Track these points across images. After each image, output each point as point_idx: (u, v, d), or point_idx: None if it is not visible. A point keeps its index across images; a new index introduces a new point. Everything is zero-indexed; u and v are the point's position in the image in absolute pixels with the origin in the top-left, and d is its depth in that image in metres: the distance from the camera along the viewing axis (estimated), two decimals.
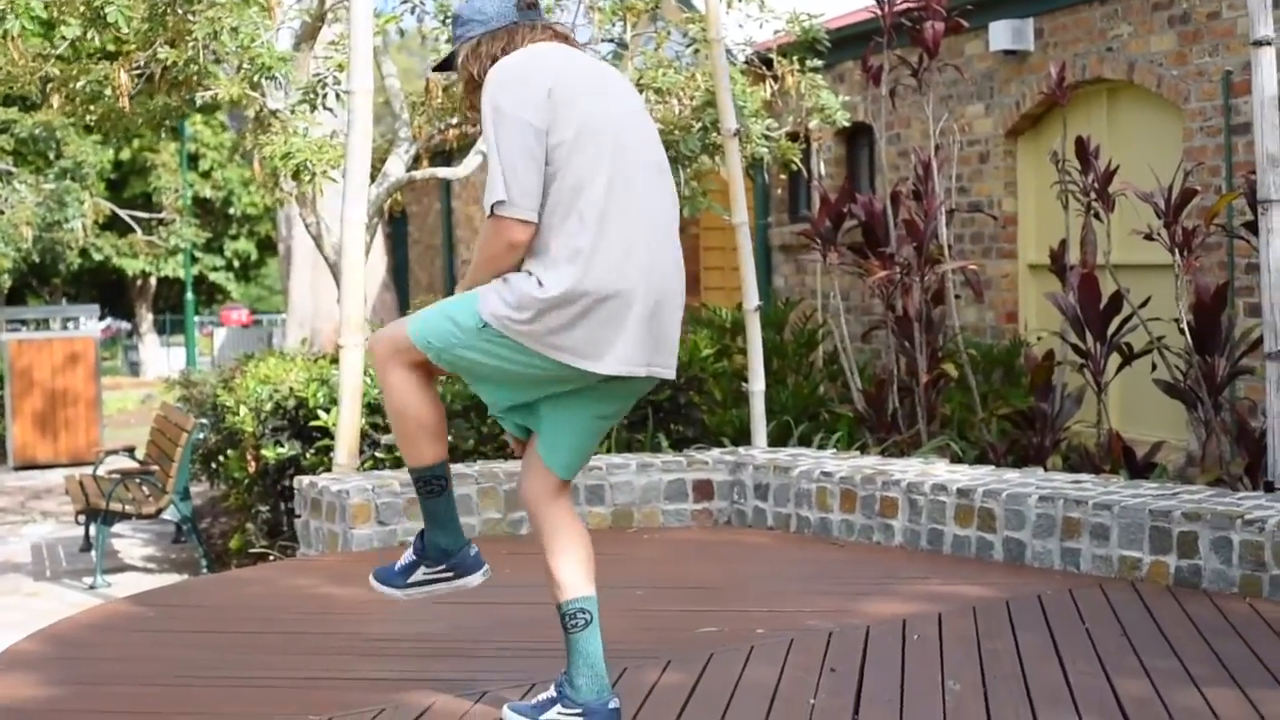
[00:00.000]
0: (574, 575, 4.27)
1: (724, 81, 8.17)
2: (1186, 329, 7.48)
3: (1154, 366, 8.01)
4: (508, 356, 4.09)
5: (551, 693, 4.31)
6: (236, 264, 36.71)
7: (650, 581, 6.35)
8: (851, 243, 9.40)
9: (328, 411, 9.06)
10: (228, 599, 6.21)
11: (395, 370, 4.21)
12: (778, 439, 9.72)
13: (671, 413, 10.23)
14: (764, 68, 10.28)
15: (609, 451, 8.89)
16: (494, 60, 4.16)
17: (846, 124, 10.70)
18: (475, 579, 4.53)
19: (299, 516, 7.47)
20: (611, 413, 4.36)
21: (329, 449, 9.01)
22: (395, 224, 24.27)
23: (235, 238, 35.84)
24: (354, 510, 7.04)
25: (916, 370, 8.83)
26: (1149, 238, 7.57)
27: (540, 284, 4.01)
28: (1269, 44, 6.57)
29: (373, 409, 8.63)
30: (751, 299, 8.25)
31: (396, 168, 10.04)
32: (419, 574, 4.49)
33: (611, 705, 4.24)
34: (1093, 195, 8.38)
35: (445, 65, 4.41)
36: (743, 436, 10.07)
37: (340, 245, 10.53)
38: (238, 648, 5.38)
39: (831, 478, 7.21)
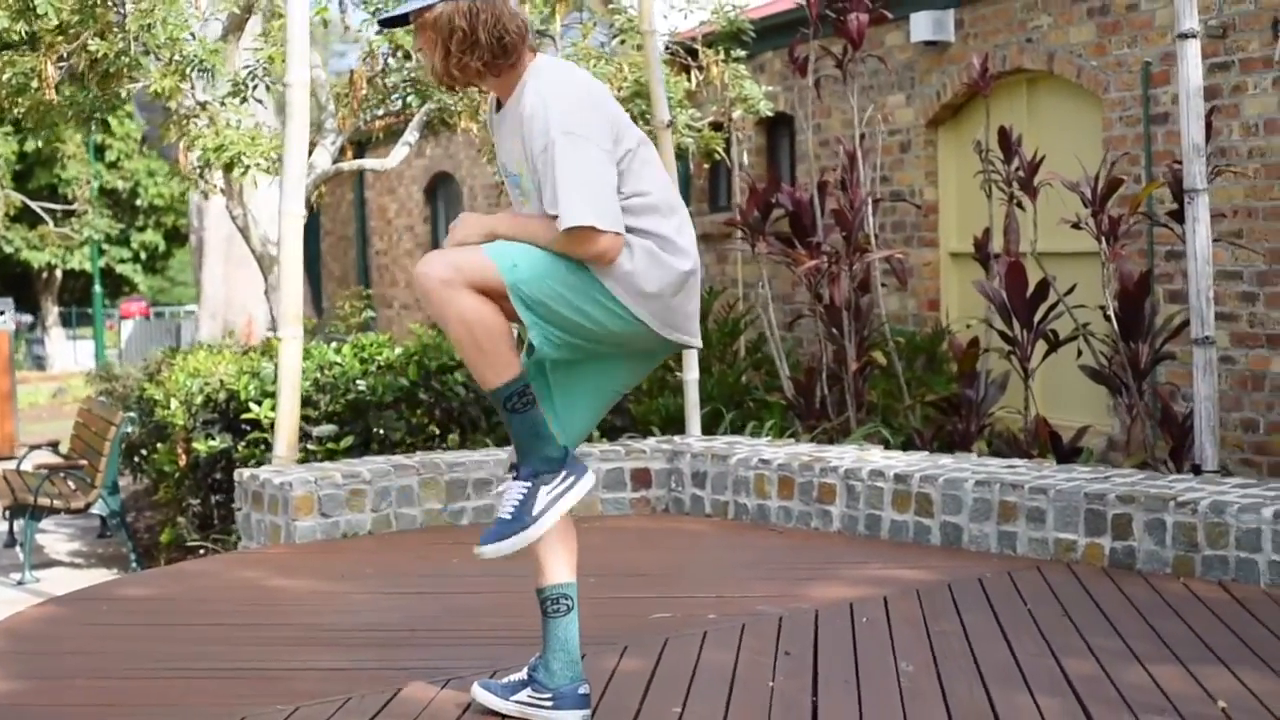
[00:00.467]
0: (558, 562, 4.31)
1: (657, 73, 8.26)
2: (1113, 316, 7.65)
3: (1079, 353, 8.18)
4: (610, 322, 4.03)
5: (523, 675, 4.38)
6: (144, 256, 36.39)
7: (598, 569, 6.39)
8: (779, 232, 9.51)
9: (259, 404, 9.07)
10: (179, 591, 6.23)
11: (460, 287, 3.94)
12: (708, 427, 9.82)
13: None
14: (689, 58, 10.38)
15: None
16: (485, 29, 3.98)
17: (770, 114, 10.83)
18: (588, 480, 4.21)
19: (239, 509, 7.49)
20: (633, 386, 4.43)
21: (261, 442, 9.03)
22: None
23: (143, 229, 35.53)
24: (297, 502, 7.07)
25: (845, 358, 8.96)
26: (1076, 226, 7.73)
27: (674, 262, 4.04)
28: (1194, 36, 6.73)
29: (304, 401, 8.65)
30: None
31: (323, 159, 10.07)
32: (542, 499, 4.12)
33: (582, 691, 4.31)
34: (1015, 184, 8.54)
35: (399, 21, 4.14)
36: (669, 425, 10.17)
37: (266, 237, 10.59)
38: (196, 640, 5.40)
39: (769, 465, 7.32)
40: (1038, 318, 8.14)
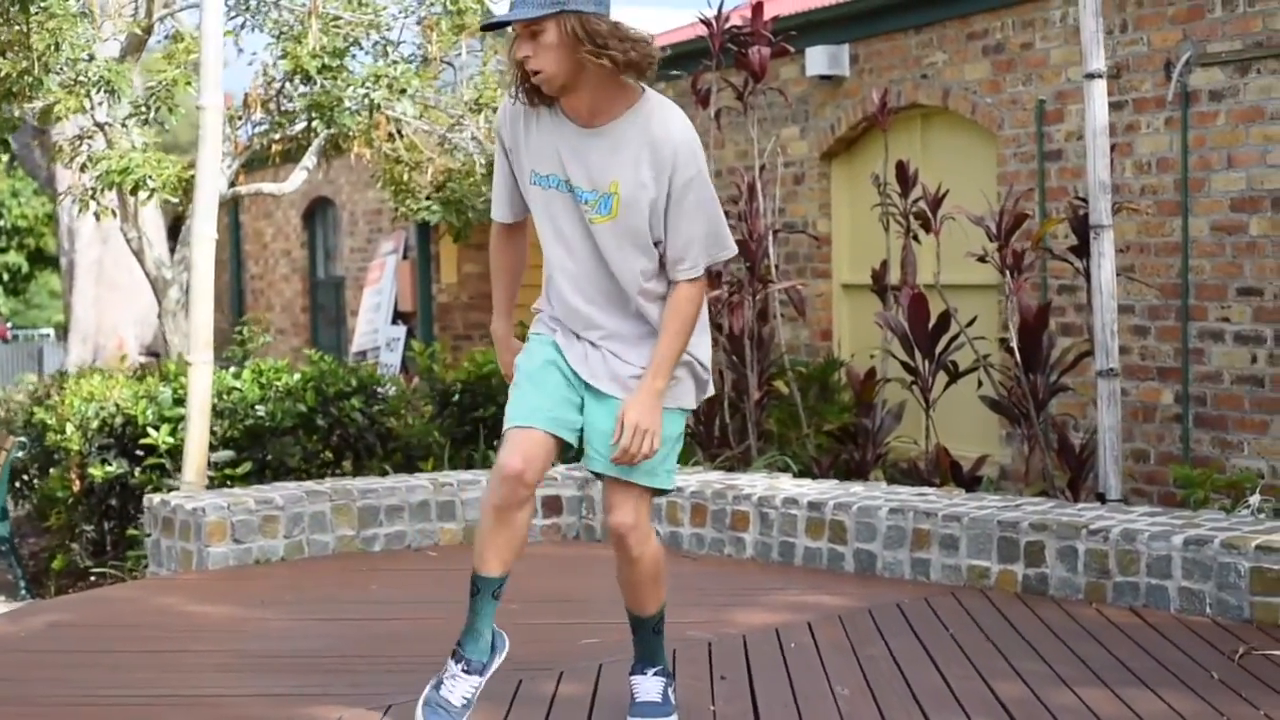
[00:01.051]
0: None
1: None
2: (1016, 348, 7.82)
3: (980, 384, 8.35)
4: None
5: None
6: (5, 277, 35.75)
7: (520, 596, 6.39)
8: None
9: (158, 429, 9.01)
10: (100, 618, 6.17)
11: (653, 532, 4.53)
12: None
13: (494, 429, 10.35)
14: None
15: (454, 468, 9.00)
16: (619, 39, 4.06)
17: None
18: None
19: (149, 535, 7.43)
20: None
21: (158, 467, 8.96)
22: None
23: (4, 250, 34.91)
24: (210, 528, 7.03)
25: (747, 387, 9.07)
26: (982, 259, 7.90)
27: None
28: (1101, 77, 6.93)
29: None
30: None
31: (220, 183, 10.00)
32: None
33: None
34: (912, 217, 8.71)
35: (501, 25, 4.17)
36: (566, 451, 10.22)
37: (160, 260, 10.51)
38: (125, 667, 5.37)
39: (682, 492, 7.39)
40: (939, 349, 8.30)
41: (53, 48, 7.86)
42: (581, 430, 4.34)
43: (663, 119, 4.14)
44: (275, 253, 20.43)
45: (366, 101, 8.60)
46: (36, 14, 7.92)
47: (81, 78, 8.19)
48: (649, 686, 4.60)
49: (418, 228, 16.52)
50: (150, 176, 8.15)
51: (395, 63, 8.76)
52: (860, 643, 5.57)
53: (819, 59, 10.76)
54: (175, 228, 23.35)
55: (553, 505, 7.80)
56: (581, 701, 4.87)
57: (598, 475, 4.42)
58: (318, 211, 19.47)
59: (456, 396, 10.31)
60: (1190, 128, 8.39)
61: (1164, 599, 5.91)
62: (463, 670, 4.37)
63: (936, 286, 8.35)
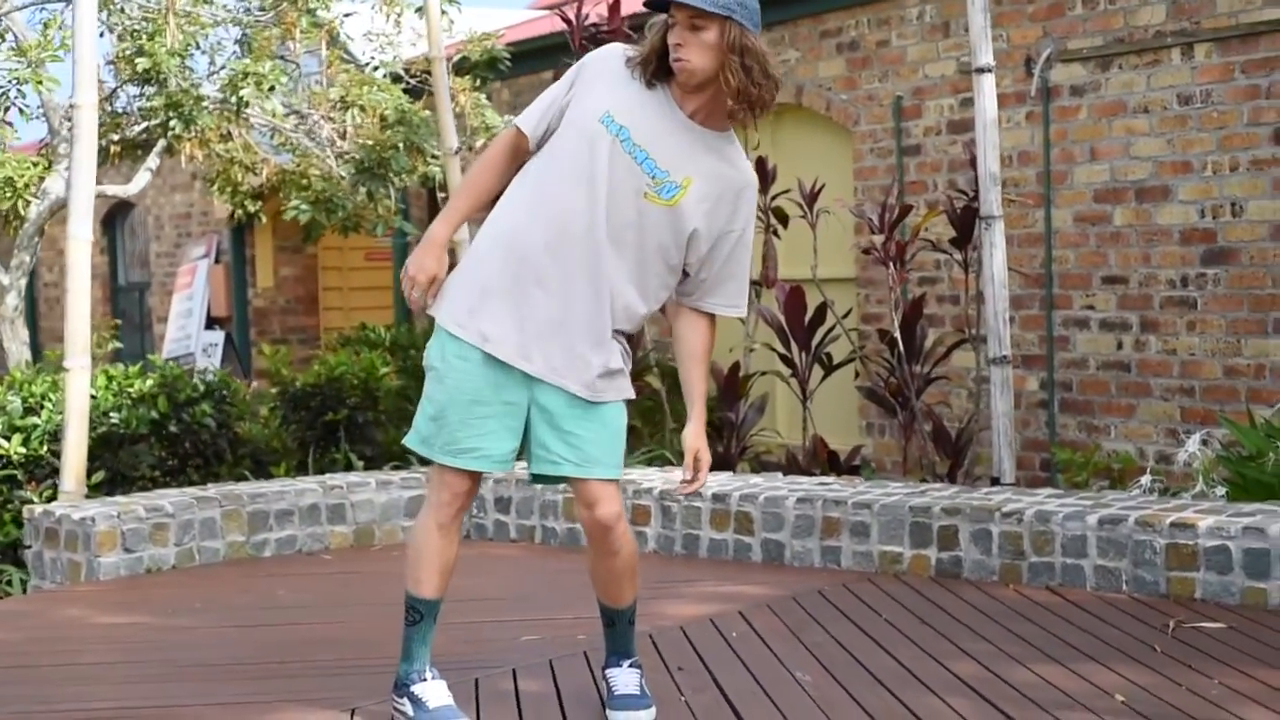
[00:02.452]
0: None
1: (445, 101, 8.26)
2: (899, 338, 7.95)
3: (856, 374, 8.48)
4: None
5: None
6: None
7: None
8: None
9: (8, 439, 8.70)
10: (8, 632, 5.94)
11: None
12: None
13: (350, 431, 10.22)
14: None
15: (306, 473, 8.87)
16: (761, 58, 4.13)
17: None
18: None
19: (29, 547, 7.18)
20: None
21: (9, 479, 8.66)
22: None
23: None
24: (100, 538, 6.82)
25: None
26: (867, 251, 8.02)
27: None
28: (990, 71, 7.07)
29: (53, 435, 8.36)
30: None
31: (57, 185, 9.70)
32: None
33: None
34: (771, 214, 8.81)
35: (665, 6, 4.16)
36: (406, 455, 10.13)
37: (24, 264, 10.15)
38: (63, 680, 5.18)
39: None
40: (815, 341, 8.41)
41: None
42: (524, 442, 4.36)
43: (746, 163, 4.33)
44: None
45: (234, 100, 8.40)
46: None
47: None
48: (627, 679, 4.60)
49: (231, 231, 16.24)
50: (14, 178, 7.88)
51: (259, 60, 8.58)
52: (799, 629, 5.61)
53: None
54: None
55: None
56: (548, 698, 4.82)
57: (554, 480, 4.41)
58: (118, 216, 18.98)
59: (315, 401, 10.13)
60: (1052, 122, 8.62)
61: (1080, 577, 6.05)
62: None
63: (814, 280, 8.45)
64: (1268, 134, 7.66)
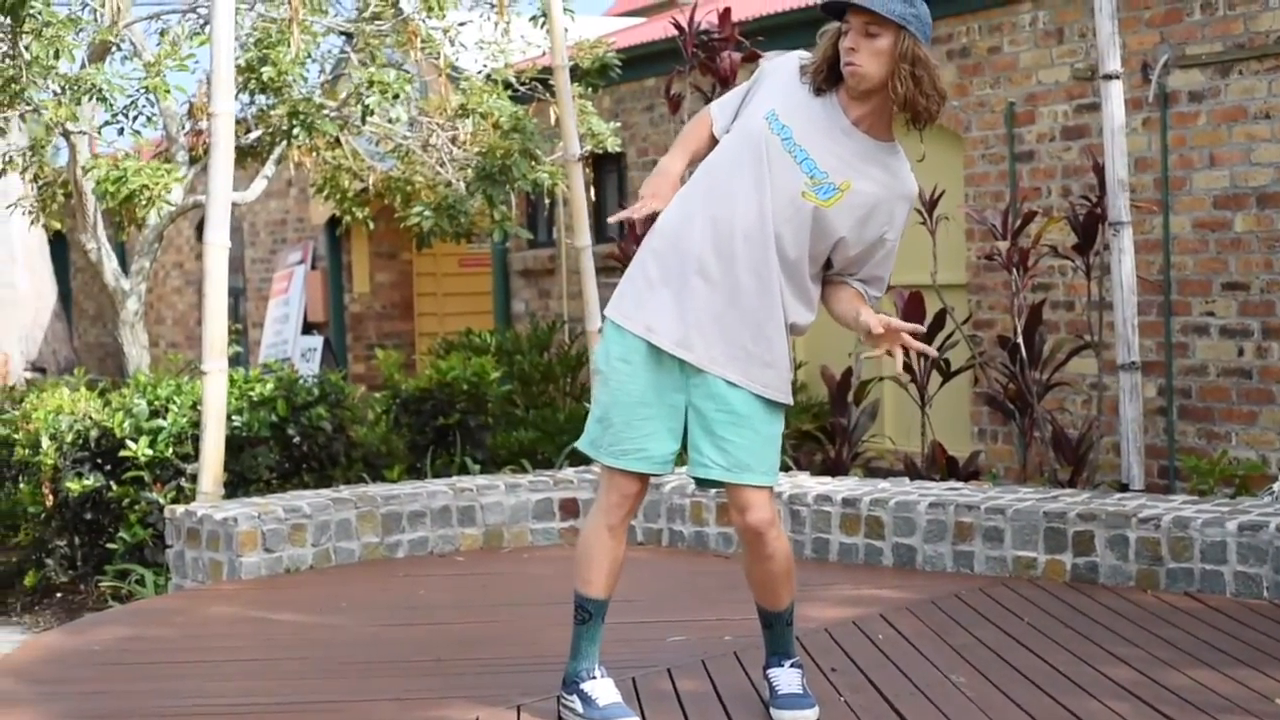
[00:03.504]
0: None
1: (569, 107, 8.35)
2: (1020, 344, 7.99)
3: (975, 380, 8.51)
4: None
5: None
6: None
7: (570, 598, 6.45)
8: None
9: (135, 441, 8.86)
10: (165, 629, 6.09)
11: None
12: (583, 459, 9.95)
13: (461, 435, 10.34)
14: (545, 92, 10.48)
15: (418, 476, 9.00)
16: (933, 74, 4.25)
17: (618, 149, 10.98)
18: None
19: (170, 546, 7.32)
20: None
21: (137, 480, 8.82)
22: (53, 247, 23.47)
23: None
24: (241, 538, 6.95)
25: None
26: (989, 258, 8.06)
27: None
28: (1118, 78, 7.11)
29: (177, 438, 8.52)
30: (593, 321, 8.42)
31: (176, 192, 9.86)
32: None
33: None
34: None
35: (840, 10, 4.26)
36: (513, 458, 10.26)
37: (118, 270, 10.33)
38: (226, 675, 5.32)
39: (707, 492, 7.44)
40: (935, 345, 8.44)
41: (51, 55, 7.69)
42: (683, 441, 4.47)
43: (909, 174, 4.39)
44: (166, 265, 20.12)
45: (359, 108, 8.53)
46: (30, 22, 7.74)
47: (72, 86, 8.02)
48: (789, 679, 4.67)
49: (328, 238, 16.43)
50: (147, 186, 8.02)
51: (384, 67, 8.72)
52: (943, 632, 5.66)
53: None
54: (56, 243, 22.92)
55: (569, 508, 7.82)
56: (708, 695, 4.90)
57: (709, 483, 4.52)
58: None
59: (427, 405, 10.25)
60: (1170, 128, 8.63)
61: (1220, 584, 6.08)
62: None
63: (934, 286, 8.50)
64: None
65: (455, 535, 7.60)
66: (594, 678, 4.57)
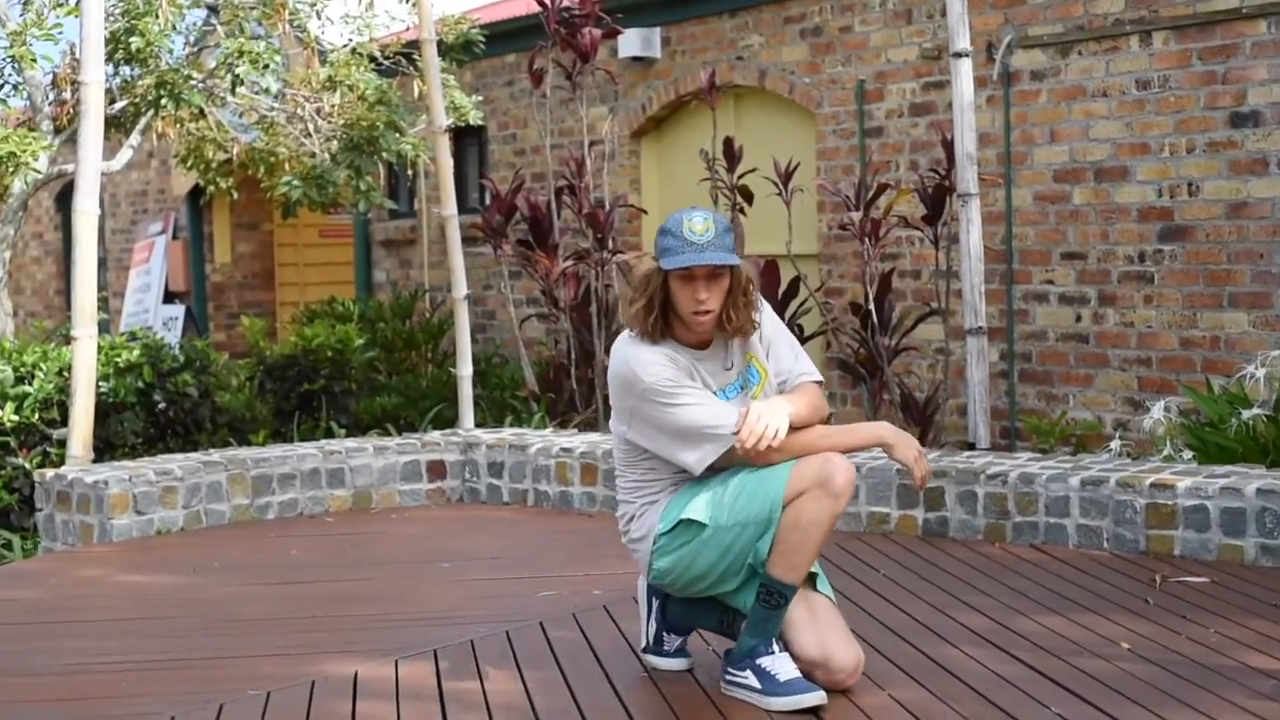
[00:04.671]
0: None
1: (435, 80, 8.49)
2: (872, 311, 8.29)
3: (828, 345, 8.80)
4: None
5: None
6: None
7: (441, 555, 6.66)
8: (519, 238, 9.86)
9: (1, 407, 8.87)
10: (38, 591, 6.18)
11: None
12: (446, 423, 10.14)
13: (329, 401, 10.46)
14: (409, 66, 10.60)
15: (326, 439, 9.12)
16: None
17: (480, 123, 11.13)
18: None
19: (40, 510, 7.38)
20: None
21: (3, 445, 8.83)
22: None
23: None
24: (112, 501, 7.04)
25: (594, 354, 9.37)
26: (843, 228, 8.34)
27: None
28: (967, 55, 7.42)
29: (43, 404, 8.56)
30: (460, 289, 8.58)
31: (41, 160, 9.84)
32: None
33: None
34: (737, 192, 9.13)
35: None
36: (376, 423, 10.40)
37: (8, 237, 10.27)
38: (106, 634, 5.44)
39: (571, 453, 7.65)
40: (789, 314, 8.73)
41: None
42: None
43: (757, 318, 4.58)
44: (25, 235, 19.86)
45: (229, 78, 8.61)
46: None
47: None
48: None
49: (190, 208, 16.39)
50: (15, 153, 8.04)
51: (253, 39, 8.79)
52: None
53: (632, 41, 11.08)
54: None
55: (437, 470, 7.99)
56: (580, 645, 5.10)
57: None
58: (70, 194, 18.99)
59: (292, 371, 10.35)
60: (1013, 105, 8.97)
61: (1063, 536, 6.41)
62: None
63: (789, 255, 8.77)
64: (1223, 118, 8.05)
65: (324, 497, 7.74)
66: (773, 653, 4.48)
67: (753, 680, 4.45)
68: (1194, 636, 5.02)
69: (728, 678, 4.53)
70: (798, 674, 4.42)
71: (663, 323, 4.43)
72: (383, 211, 13.45)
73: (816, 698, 4.38)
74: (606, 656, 4.97)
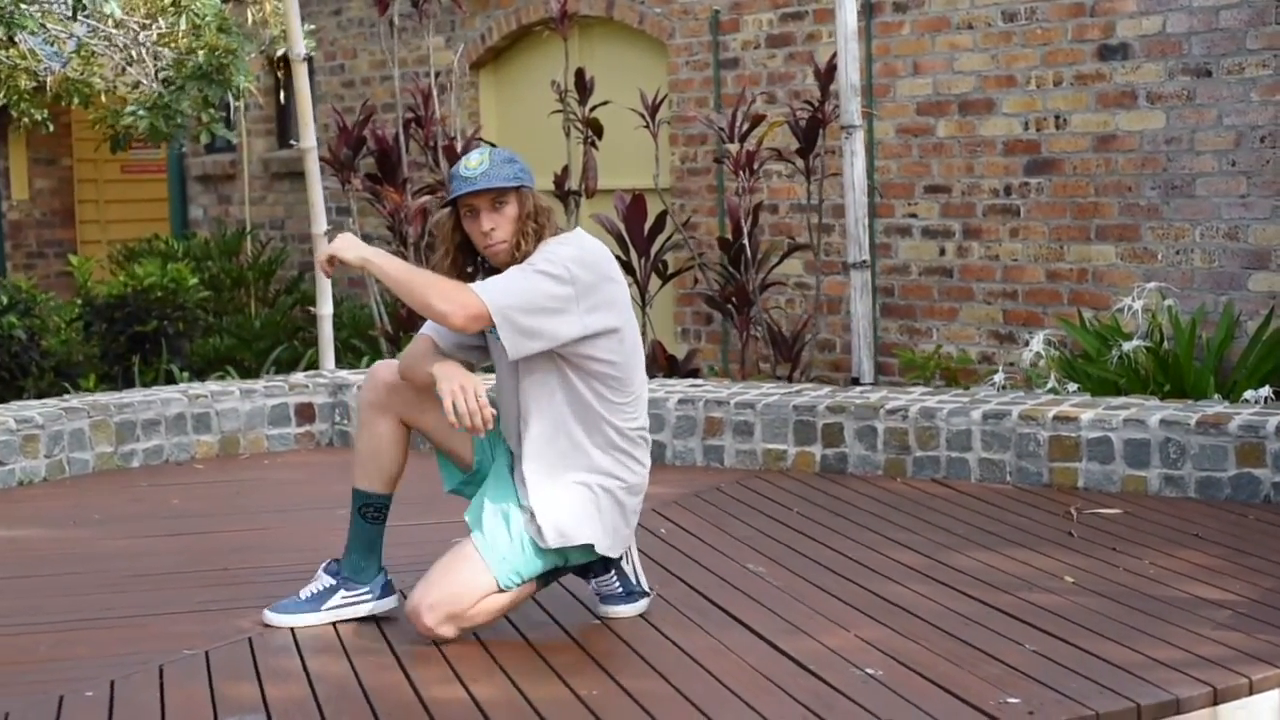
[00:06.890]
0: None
1: (294, 8, 8.16)
2: (747, 245, 8.20)
3: (695, 281, 8.69)
4: None
5: (325, 584, 4.67)
6: None
7: (327, 501, 6.37)
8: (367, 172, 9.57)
9: None
10: None
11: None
12: (288, 365, 9.86)
13: (158, 343, 10.10)
14: None
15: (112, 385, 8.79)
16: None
17: (312, 54, 10.75)
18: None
19: None
20: None
21: None
22: None
23: None
24: None
25: None
26: (719, 161, 8.22)
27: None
28: None
29: None
30: (320, 224, 8.27)
31: None
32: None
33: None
34: (589, 126, 8.96)
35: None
36: (211, 366, 10.09)
37: None
38: (14, 593, 5.14)
39: None
40: (655, 249, 8.59)
41: None
42: None
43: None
44: None
45: (70, 3, 8.15)
46: None
47: None
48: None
49: None
50: None
51: None
52: (721, 525, 5.82)
53: None
54: None
55: (306, 413, 7.72)
56: None
57: None
58: None
59: (122, 313, 9.95)
60: (874, 37, 8.91)
61: (965, 470, 6.41)
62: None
63: (656, 189, 8.62)
64: (1091, 50, 8.07)
65: (191, 443, 7.43)
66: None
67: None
68: (1131, 569, 5.03)
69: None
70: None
71: (471, 265, 4.51)
72: (199, 146, 13.00)
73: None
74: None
